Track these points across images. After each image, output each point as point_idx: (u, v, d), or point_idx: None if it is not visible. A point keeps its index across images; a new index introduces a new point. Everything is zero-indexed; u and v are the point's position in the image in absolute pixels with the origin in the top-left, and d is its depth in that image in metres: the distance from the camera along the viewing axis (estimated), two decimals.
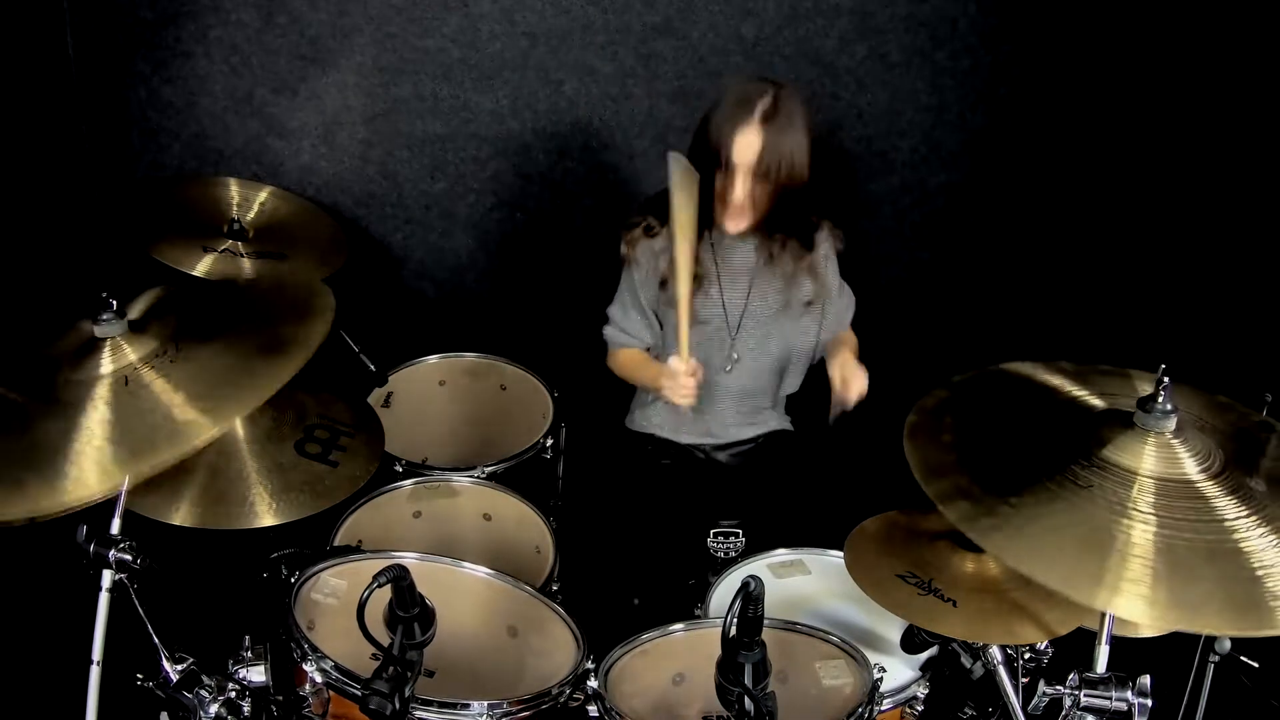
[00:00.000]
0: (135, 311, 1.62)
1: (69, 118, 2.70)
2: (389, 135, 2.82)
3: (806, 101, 2.01)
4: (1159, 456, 1.37)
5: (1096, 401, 1.51)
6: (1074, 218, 2.96)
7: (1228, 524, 1.28)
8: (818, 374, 2.32)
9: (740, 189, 1.97)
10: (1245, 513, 1.29)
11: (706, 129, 2.00)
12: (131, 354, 1.54)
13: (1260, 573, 1.22)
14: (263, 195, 2.62)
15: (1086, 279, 2.98)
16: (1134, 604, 1.20)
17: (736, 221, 2.03)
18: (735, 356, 2.19)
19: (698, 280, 2.09)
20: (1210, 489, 1.33)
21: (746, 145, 1.94)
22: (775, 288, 2.17)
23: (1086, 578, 1.22)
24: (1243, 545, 1.25)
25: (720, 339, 2.18)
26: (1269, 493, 1.33)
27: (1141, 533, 1.27)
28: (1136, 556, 1.23)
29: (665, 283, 2.13)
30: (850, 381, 2.04)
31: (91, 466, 1.41)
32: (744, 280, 2.16)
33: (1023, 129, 2.91)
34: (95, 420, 1.46)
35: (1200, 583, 1.20)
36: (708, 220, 2.07)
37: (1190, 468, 1.36)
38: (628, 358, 2.27)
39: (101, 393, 1.49)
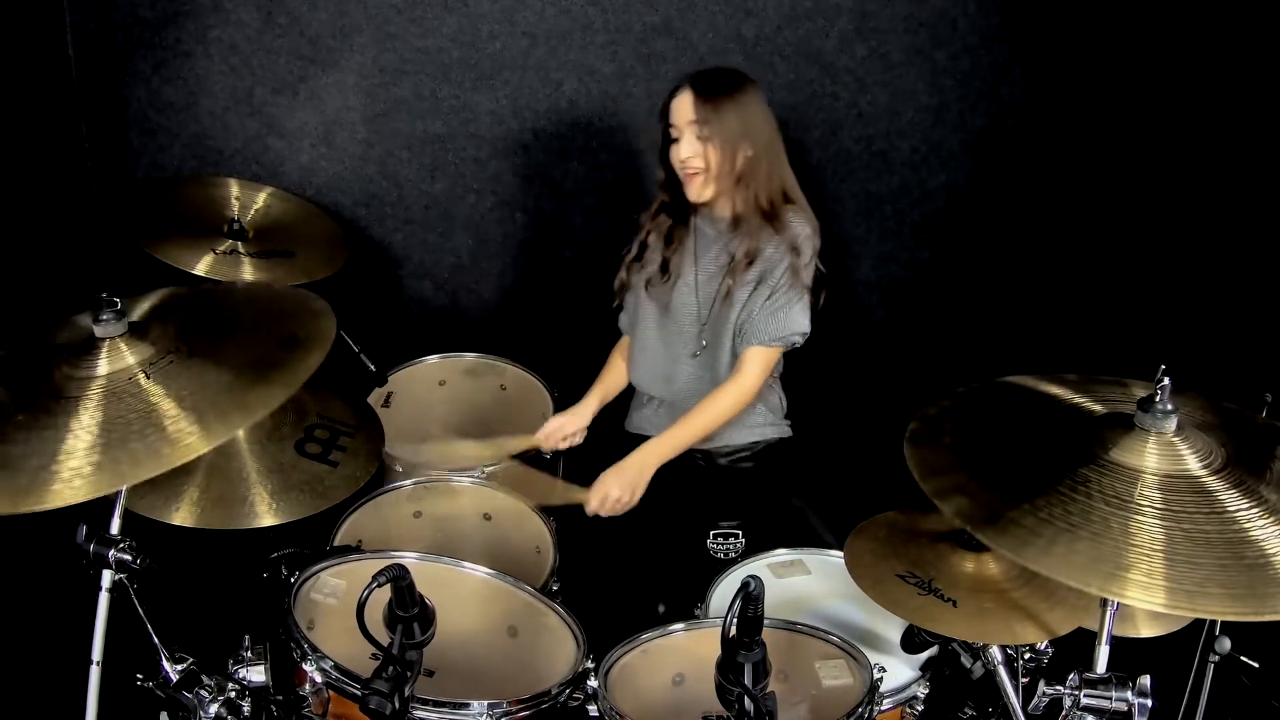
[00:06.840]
0: (138, 313, 1.58)
1: (69, 118, 2.70)
2: (389, 135, 2.82)
3: (758, 82, 2.14)
4: (1161, 455, 1.39)
5: (1097, 407, 1.53)
6: (1074, 217, 2.96)
7: (1228, 515, 1.32)
8: (817, 378, 2.32)
9: (686, 148, 2.09)
10: (1247, 505, 1.33)
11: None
12: (130, 357, 1.48)
13: (1263, 560, 1.26)
14: (263, 195, 2.61)
15: (1086, 278, 2.98)
16: (1145, 592, 1.25)
17: (695, 188, 2.12)
18: (704, 343, 2.22)
19: (669, 273, 2.23)
20: (1213, 483, 1.36)
21: (681, 106, 2.09)
22: (748, 274, 2.16)
23: (1099, 574, 1.27)
24: (1248, 536, 1.29)
25: (691, 320, 2.22)
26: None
27: (1149, 526, 1.30)
28: (1144, 549, 1.28)
29: (649, 283, 2.24)
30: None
31: (75, 473, 1.34)
32: (720, 264, 2.19)
33: (1023, 129, 2.91)
34: (84, 424, 1.39)
35: (1203, 571, 1.25)
36: (691, 208, 2.18)
37: (1192, 464, 1.38)
38: (618, 352, 2.41)
39: (94, 396, 1.43)
